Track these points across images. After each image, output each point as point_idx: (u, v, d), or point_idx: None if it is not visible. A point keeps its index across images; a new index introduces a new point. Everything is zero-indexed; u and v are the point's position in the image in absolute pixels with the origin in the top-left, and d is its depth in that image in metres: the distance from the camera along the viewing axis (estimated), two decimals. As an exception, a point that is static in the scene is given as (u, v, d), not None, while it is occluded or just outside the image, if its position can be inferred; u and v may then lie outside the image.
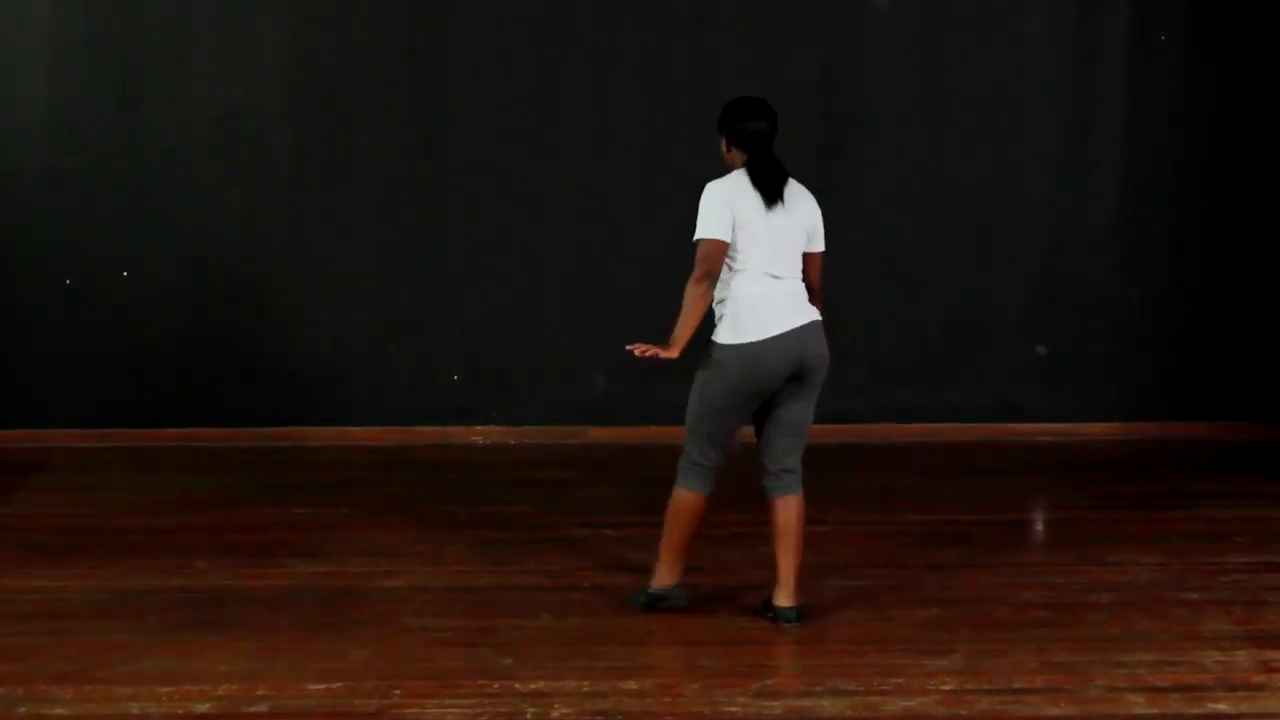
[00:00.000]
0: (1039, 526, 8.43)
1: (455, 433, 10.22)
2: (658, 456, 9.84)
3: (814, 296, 6.35)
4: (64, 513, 8.39)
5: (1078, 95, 10.43)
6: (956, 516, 8.20)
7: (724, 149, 6.36)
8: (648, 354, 6.12)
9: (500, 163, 10.14)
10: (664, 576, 6.45)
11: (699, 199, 6.19)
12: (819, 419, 10.41)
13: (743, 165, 6.28)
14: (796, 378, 6.23)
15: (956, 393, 10.42)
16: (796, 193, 6.32)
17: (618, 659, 5.91)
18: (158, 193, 10.05)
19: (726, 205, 6.15)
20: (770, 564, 6.38)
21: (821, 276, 6.41)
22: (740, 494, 8.89)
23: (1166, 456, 9.97)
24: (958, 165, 10.35)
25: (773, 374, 6.18)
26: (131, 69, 10.01)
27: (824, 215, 6.39)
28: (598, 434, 10.03)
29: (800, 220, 6.28)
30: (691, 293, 6.16)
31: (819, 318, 6.29)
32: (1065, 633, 6.24)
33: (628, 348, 6.15)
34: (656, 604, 6.45)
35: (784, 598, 6.33)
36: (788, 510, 6.33)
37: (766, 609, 6.40)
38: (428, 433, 10.15)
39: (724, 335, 6.20)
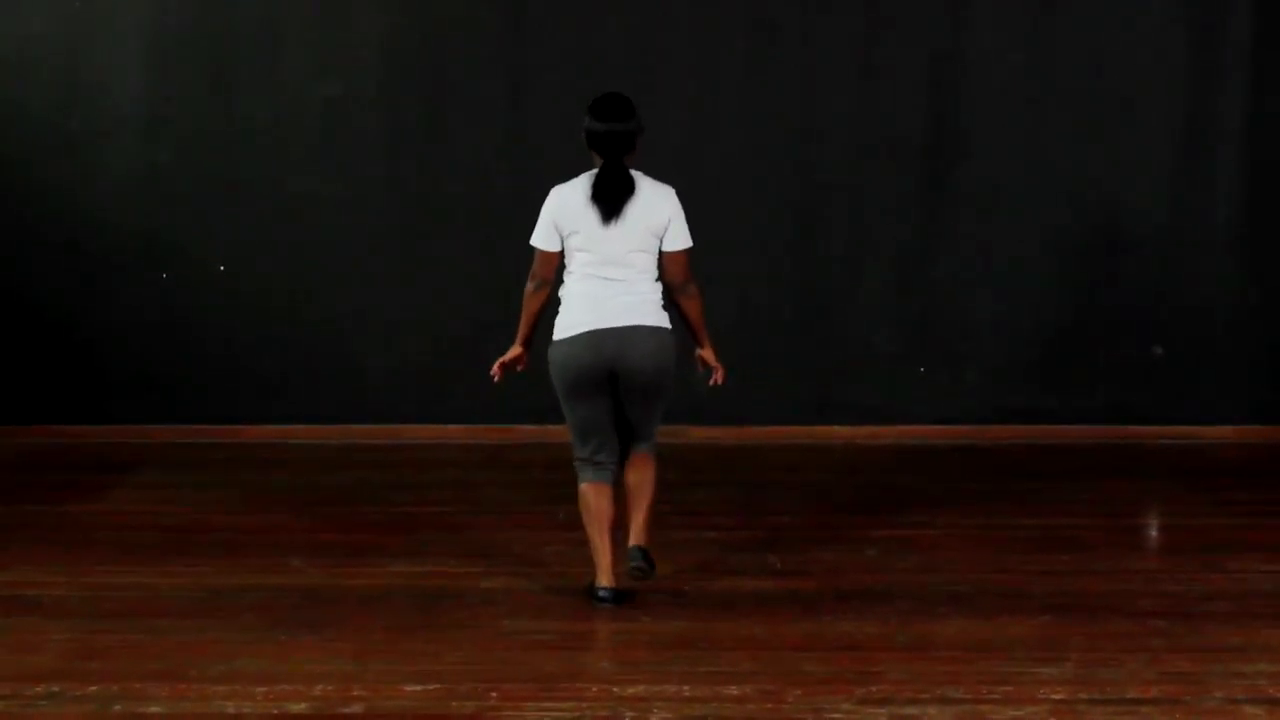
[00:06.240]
0: (1155, 532, 8.28)
1: (554, 431, 10.11)
2: (758, 458, 9.83)
3: (679, 295, 6.50)
4: (159, 510, 8.39)
5: (1197, 86, 10.18)
6: (1069, 521, 8.05)
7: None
8: (497, 372, 6.64)
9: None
10: (599, 576, 6.52)
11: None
12: (925, 419, 10.23)
13: (598, 168, 6.47)
14: (617, 378, 6.40)
15: (1069, 394, 10.22)
16: (644, 196, 6.43)
17: (719, 664, 5.82)
18: (253, 187, 10.05)
19: (551, 216, 6.47)
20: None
21: (687, 273, 6.53)
22: (849, 497, 8.77)
23: (1288, 462, 9.76)
24: (1069, 161, 10.15)
25: (580, 369, 6.38)
26: (226, 62, 10.02)
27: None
28: (699, 434, 9.89)
29: (639, 224, 6.40)
30: (524, 294, 6.59)
31: (653, 324, 6.41)
32: (1183, 642, 6.10)
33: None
34: (602, 603, 6.51)
35: (632, 537, 6.49)
36: (638, 468, 6.52)
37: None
38: (526, 431, 10.05)
39: (554, 332, 6.45)
